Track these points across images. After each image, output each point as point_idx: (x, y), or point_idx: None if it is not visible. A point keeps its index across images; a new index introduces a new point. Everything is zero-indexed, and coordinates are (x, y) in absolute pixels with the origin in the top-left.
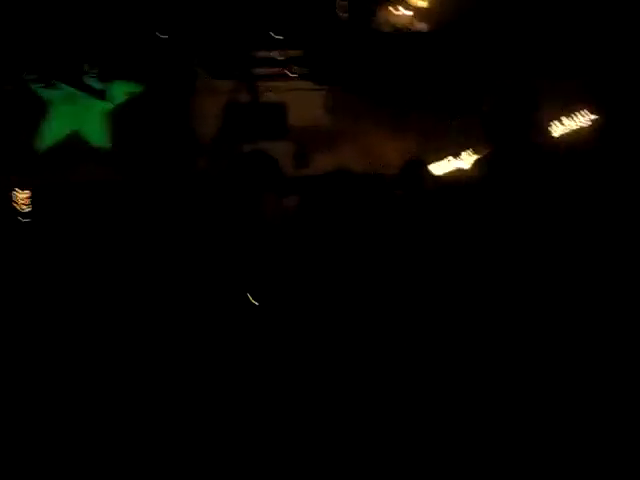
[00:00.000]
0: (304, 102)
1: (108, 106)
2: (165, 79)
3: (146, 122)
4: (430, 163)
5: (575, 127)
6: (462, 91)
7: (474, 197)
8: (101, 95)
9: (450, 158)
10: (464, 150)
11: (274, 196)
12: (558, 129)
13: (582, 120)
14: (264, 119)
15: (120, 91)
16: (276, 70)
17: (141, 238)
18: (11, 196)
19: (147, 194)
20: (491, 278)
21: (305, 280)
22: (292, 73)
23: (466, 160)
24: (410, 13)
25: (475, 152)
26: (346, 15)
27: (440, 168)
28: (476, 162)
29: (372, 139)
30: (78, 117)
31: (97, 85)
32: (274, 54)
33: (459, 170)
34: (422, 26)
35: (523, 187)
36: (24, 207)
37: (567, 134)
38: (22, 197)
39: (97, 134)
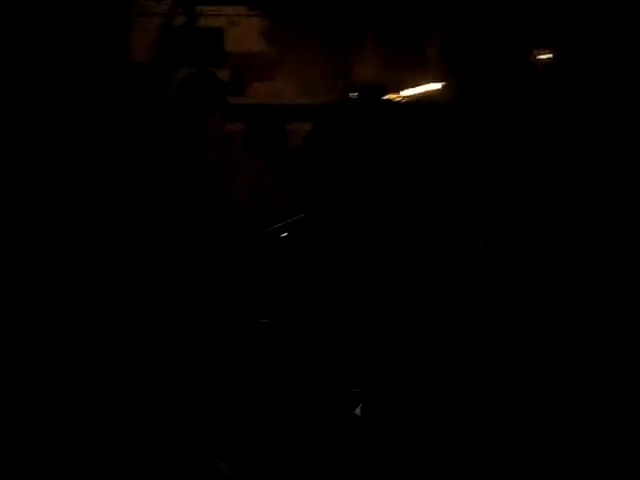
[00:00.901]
0: (241, 28)
1: None
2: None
3: (77, 43)
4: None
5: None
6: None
7: (444, 118)
8: None
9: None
10: (425, 78)
11: (219, 117)
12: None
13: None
14: (201, 44)
15: None
16: None
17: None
18: None
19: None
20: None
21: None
22: None
23: (431, 86)
24: None
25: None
26: None
27: (404, 92)
28: (446, 86)
29: (312, 67)
30: None
31: None
32: None
33: (425, 93)
34: None
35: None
36: None
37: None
38: None
39: None
